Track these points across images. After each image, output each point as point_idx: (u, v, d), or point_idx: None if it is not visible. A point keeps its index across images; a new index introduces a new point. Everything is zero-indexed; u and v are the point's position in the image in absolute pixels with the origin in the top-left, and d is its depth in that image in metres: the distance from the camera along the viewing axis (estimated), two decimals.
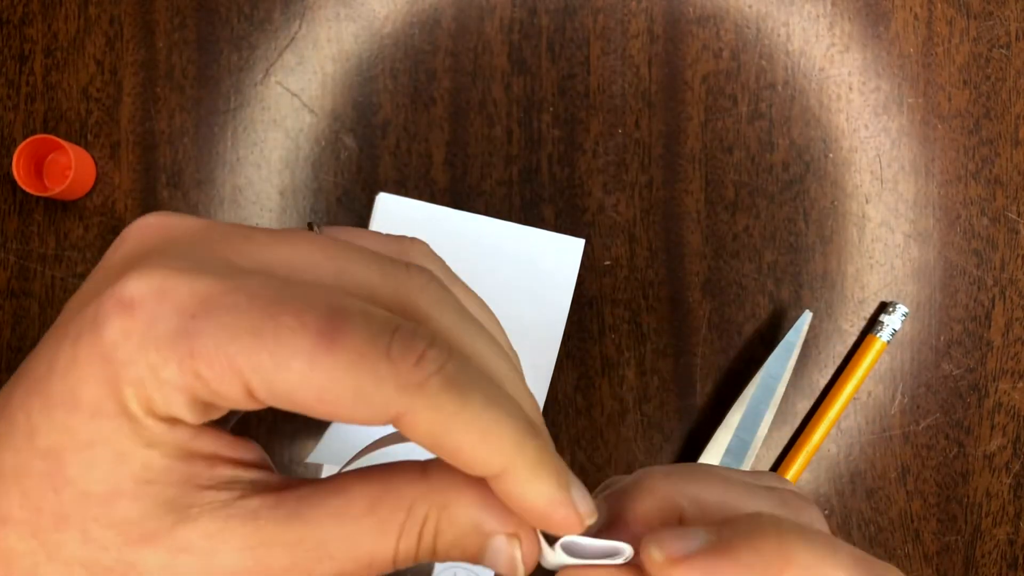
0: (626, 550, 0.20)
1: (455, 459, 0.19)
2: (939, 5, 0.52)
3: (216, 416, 0.19)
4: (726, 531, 0.20)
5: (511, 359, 0.22)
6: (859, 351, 0.50)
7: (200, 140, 0.50)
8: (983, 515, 0.51)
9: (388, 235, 0.23)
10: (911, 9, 0.52)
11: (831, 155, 0.51)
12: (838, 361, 0.51)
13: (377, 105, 0.50)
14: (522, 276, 0.48)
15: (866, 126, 0.52)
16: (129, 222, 0.27)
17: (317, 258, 0.20)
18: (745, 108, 0.51)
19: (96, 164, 0.50)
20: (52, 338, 0.19)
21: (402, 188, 0.50)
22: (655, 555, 0.20)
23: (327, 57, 0.50)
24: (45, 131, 0.49)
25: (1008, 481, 0.51)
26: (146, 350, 0.18)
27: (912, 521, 0.51)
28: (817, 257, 0.51)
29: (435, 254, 0.24)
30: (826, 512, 0.51)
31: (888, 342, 0.50)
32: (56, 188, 0.47)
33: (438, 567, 0.46)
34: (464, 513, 0.20)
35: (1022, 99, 0.52)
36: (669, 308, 0.50)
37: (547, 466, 0.19)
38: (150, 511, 0.18)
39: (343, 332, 0.18)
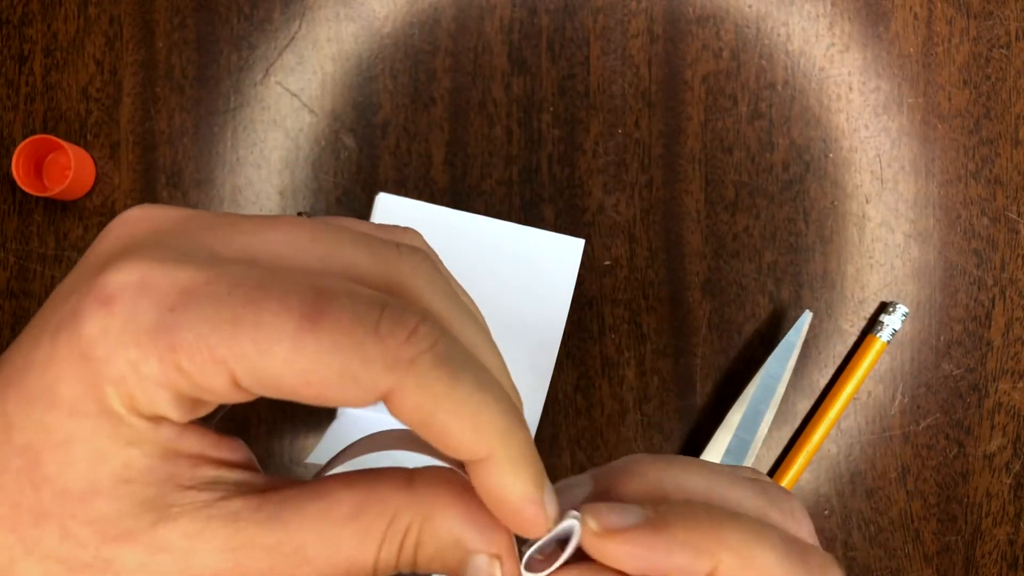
0: (575, 526, 0.20)
1: (441, 440, 0.18)
2: (939, 5, 0.52)
3: (204, 412, 0.19)
4: (662, 509, 0.20)
5: (498, 352, 0.22)
6: (859, 351, 0.50)
7: (200, 140, 0.50)
8: (983, 515, 0.51)
9: (381, 224, 0.23)
10: (911, 9, 0.52)
11: (831, 155, 0.51)
12: (838, 361, 0.51)
13: (377, 105, 0.50)
14: (522, 276, 0.48)
15: (866, 126, 0.51)
16: None
17: (304, 242, 0.20)
18: (745, 108, 0.51)
19: (96, 164, 0.50)
20: (33, 330, 0.19)
21: (402, 188, 0.50)
22: (591, 524, 0.20)
23: (327, 57, 0.50)
24: (45, 131, 0.49)
25: (1008, 481, 0.51)
26: (125, 346, 0.18)
27: (912, 521, 0.51)
28: (817, 257, 0.51)
29: (427, 244, 0.23)
30: (826, 512, 0.51)
31: (888, 342, 0.50)
32: (56, 188, 0.47)
33: None
34: (447, 526, 0.20)
35: (1022, 99, 0.52)
36: (669, 308, 0.50)
37: (529, 460, 0.19)
38: (129, 510, 0.18)
39: (327, 313, 0.17)
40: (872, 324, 0.51)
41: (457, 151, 0.50)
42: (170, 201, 0.50)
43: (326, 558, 0.19)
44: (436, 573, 0.20)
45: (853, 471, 0.51)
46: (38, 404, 0.18)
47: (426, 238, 0.24)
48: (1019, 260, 0.51)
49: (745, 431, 0.48)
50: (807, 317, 0.48)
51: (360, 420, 0.46)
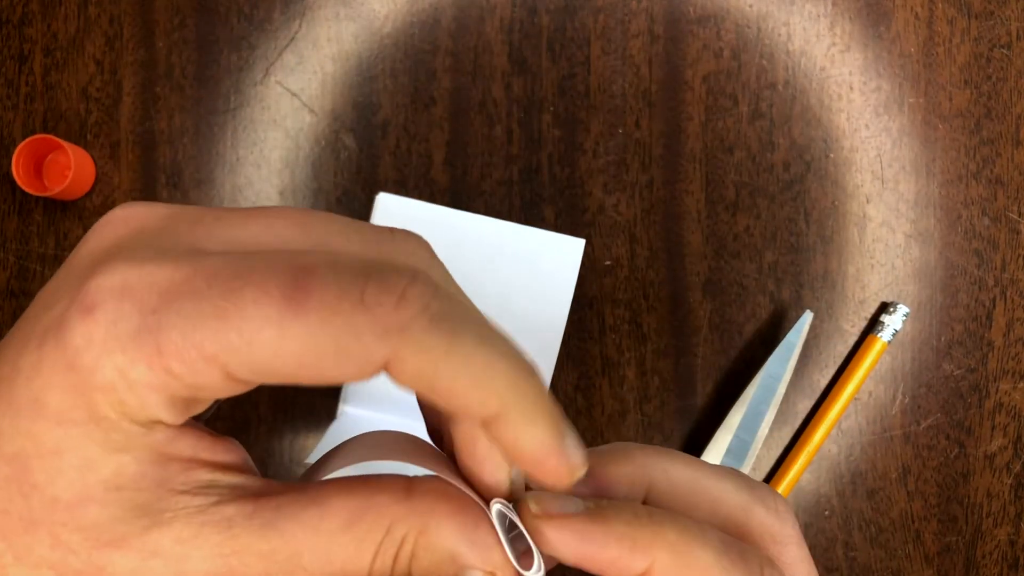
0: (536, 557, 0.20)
1: (448, 403, 0.18)
2: (940, 5, 0.52)
3: (199, 410, 0.19)
4: (604, 503, 0.20)
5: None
6: (860, 351, 0.50)
7: (200, 140, 0.50)
8: (984, 516, 0.51)
9: (378, 226, 0.23)
10: (912, 9, 0.52)
11: (832, 155, 0.51)
12: (839, 361, 0.51)
13: (377, 105, 0.50)
14: (522, 276, 0.48)
15: (867, 126, 0.51)
16: None
17: (292, 232, 0.19)
18: (746, 108, 0.51)
19: (96, 164, 0.49)
20: (19, 336, 0.19)
21: (402, 188, 0.50)
22: (532, 507, 0.20)
23: (327, 57, 0.50)
24: (44, 131, 0.49)
25: (1009, 481, 0.51)
26: (111, 353, 0.17)
27: (913, 522, 0.51)
28: (818, 257, 0.51)
29: (426, 243, 0.23)
30: (826, 512, 0.51)
31: (889, 342, 0.50)
32: (55, 188, 0.47)
33: None
34: (442, 540, 0.20)
35: (1023, 99, 0.52)
36: (669, 308, 0.50)
37: (543, 411, 0.19)
38: (120, 516, 0.18)
39: (309, 290, 0.17)
40: (873, 324, 0.51)
41: (457, 151, 0.50)
42: (170, 201, 0.50)
43: (321, 566, 0.19)
44: None
45: (854, 471, 0.51)
46: (26, 413, 0.18)
47: (426, 238, 0.23)
48: (1020, 260, 0.51)
49: (746, 431, 0.48)
50: (808, 317, 0.48)
51: (360, 420, 0.46)
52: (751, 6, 0.51)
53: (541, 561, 0.20)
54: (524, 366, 0.18)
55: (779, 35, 0.51)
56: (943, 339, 0.51)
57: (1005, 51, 0.52)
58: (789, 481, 0.50)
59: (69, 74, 0.50)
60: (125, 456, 0.18)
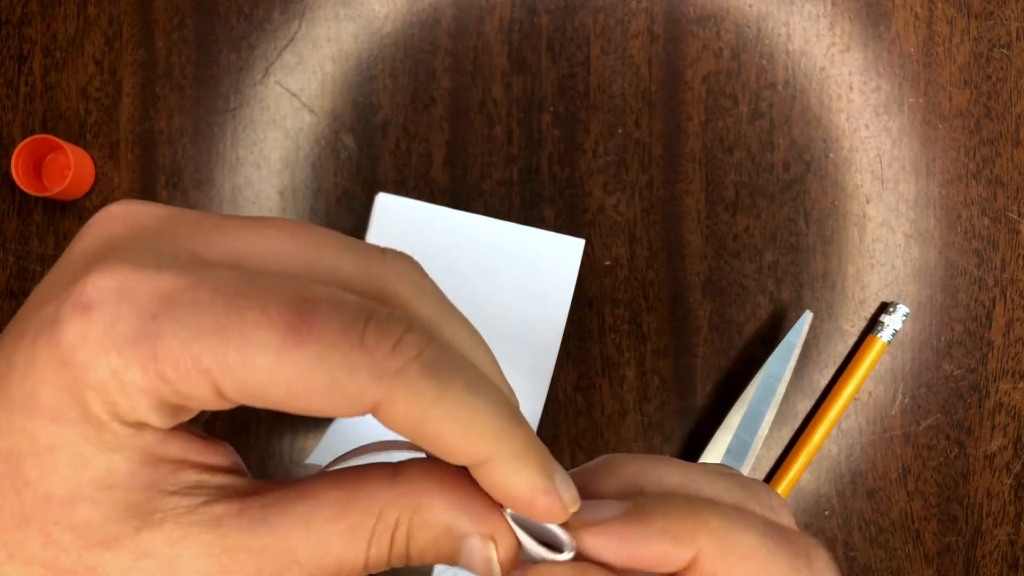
0: (569, 543, 0.20)
1: (437, 448, 0.18)
2: (940, 5, 0.52)
3: (187, 418, 0.19)
4: (640, 500, 0.20)
5: (492, 354, 0.22)
6: (860, 351, 0.50)
7: (200, 140, 0.50)
8: (984, 516, 0.51)
9: (372, 245, 0.23)
10: (912, 9, 0.52)
11: (832, 155, 0.51)
12: (839, 361, 0.51)
13: (377, 105, 0.50)
14: (522, 276, 0.48)
15: (867, 126, 0.51)
16: None
17: (288, 246, 0.19)
18: (745, 108, 0.51)
19: (95, 164, 0.49)
20: (13, 332, 0.19)
21: (402, 188, 0.50)
22: (571, 523, 0.20)
23: (327, 57, 0.50)
24: (44, 131, 0.49)
25: (1009, 482, 0.51)
26: (106, 353, 0.17)
27: (913, 522, 0.51)
28: (818, 257, 0.51)
29: (416, 263, 0.23)
30: (826, 513, 0.51)
31: (889, 342, 0.50)
32: (55, 188, 0.47)
33: (437, 568, 0.46)
34: (437, 515, 0.20)
35: (1023, 99, 0.52)
36: (669, 308, 0.50)
37: (531, 454, 0.19)
38: (111, 515, 0.18)
39: (312, 323, 0.17)
40: (873, 324, 0.51)
41: (457, 151, 0.50)
42: (170, 201, 0.50)
43: (315, 559, 0.19)
44: (432, 564, 0.20)
45: (854, 471, 0.51)
46: (20, 410, 0.18)
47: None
48: (1020, 260, 0.51)
49: (745, 431, 0.48)
50: (807, 317, 0.48)
51: (360, 421, 0.46)
52: (751, 6, 0.51)
53: (572, 542, 0.20)
54: (511, 413, 0.19)
55: (779, 35, 0.51)
56: (943, 339, 0.51)
57: (1005, 51, 0.52)
58: (789, 481, 0.50)
59: (69, 74, 0.50)
60: (116, 456, 0.18)
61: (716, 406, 0.50)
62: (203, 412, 0.21)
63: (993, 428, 0.51)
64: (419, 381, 0.18)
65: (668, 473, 0.22)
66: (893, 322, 0.50)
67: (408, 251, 0.22)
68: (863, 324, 0.51)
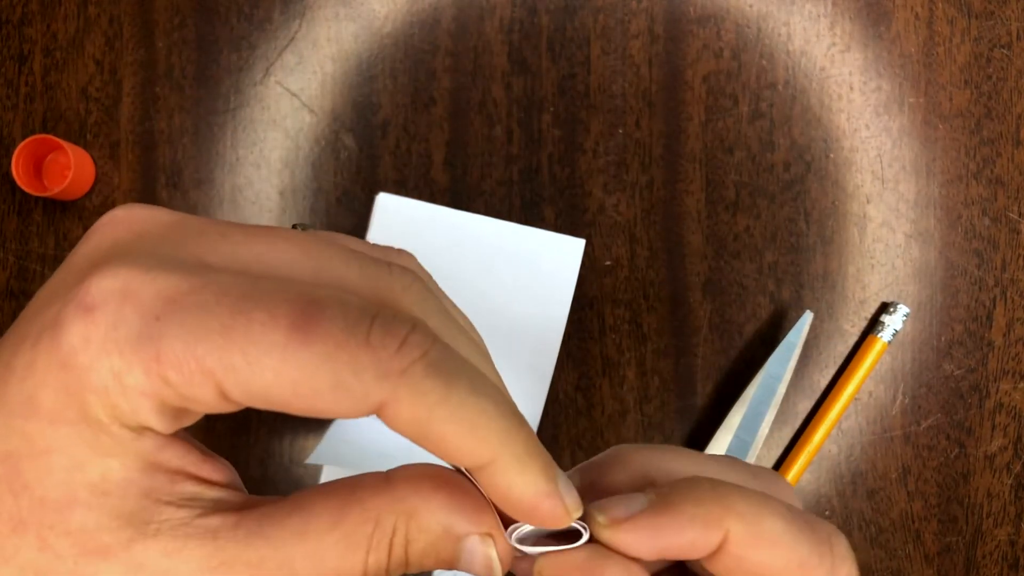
0: (584, 531, 0.20)
1: (441, 449, 0.18)
2: (940, 5, 0.52)
3: (189, 422, 0.19)
4: (665, 490, 0.20)
5: (494, 366, 0.22)
6: (860, 351, 0.50)
7: (200, 140, 0.50)
8: (984, 516, 0.51)
9: (375, 244, 0.23)
10: (912, 9, 0.52)
11: (832, 155, 0.51)
12: (839, 361, 0.51)
13: (377, 105, 0.50)
14: (522, 276, 0.48)
15: (867, 126, 0.51)
16: None
17: (294, 255, 0.19)
18: (746, 108, 0.51)
19: (95, 164, 0.49)
20: (14, 335, 0.19)
21: (402, 188, 0.50)
22: (599, 519, 0.20)
23: (327, 57, 0.50)
24: (44, 131, 0.49)
25: (1009, 482, 0.51)
26: (108, 355, 0.17)
27: (913, 522, 0.51)
28: (818, 257, 0.51)
29: (421, 266, 0.23)
30: (827, 513, 0.50)
31: (889, 342, 0.50)
32: (55, 188, 0.47)
33: (435, 574, 0.46)
34: (433, 518, 0.20)
35: (1023, 99, 0.52)
36: (670, 308, 0.50)
37: (535, 457, 0.19)
38: (106, 523, 0.18)
39: (317, 323, 0.17)
40: (873, 324, 0.51)
41: (457, 151, 0.50)
42: (170, 201, 0.50)
43: (312, 570, 0.19)
44: (432, 569, 0.20)
45: (854, 471, 0.51)
46: (19, 412, 0.18)
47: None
48: (1020, 260, 0.51)
49: (746, 431, 0.48)
50: (808, 317, 0.48)
51: (360, 422, 0.46)
52: (751, 6, 0.51)
53: (588, 531, 0.20)
54: (514, 416, 0.19)
55: (779, 35, 0.51)
56: (943, 339, 0.51)
57: (1005, 51, 0.52)
58: (789, 481, 0.50)
59: (69, 74, 0.50)
60: (113, 461, 0.18)
61: (716, 406, 0.50)
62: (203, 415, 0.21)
63: (993, 428, 0.51)
64: (424, 381, 0.17)
65: (678, 462, 0.22)
66: (893, 322, 0.50)
67: (408, 251, 0.22)
68: (863, 324, 0.51)
